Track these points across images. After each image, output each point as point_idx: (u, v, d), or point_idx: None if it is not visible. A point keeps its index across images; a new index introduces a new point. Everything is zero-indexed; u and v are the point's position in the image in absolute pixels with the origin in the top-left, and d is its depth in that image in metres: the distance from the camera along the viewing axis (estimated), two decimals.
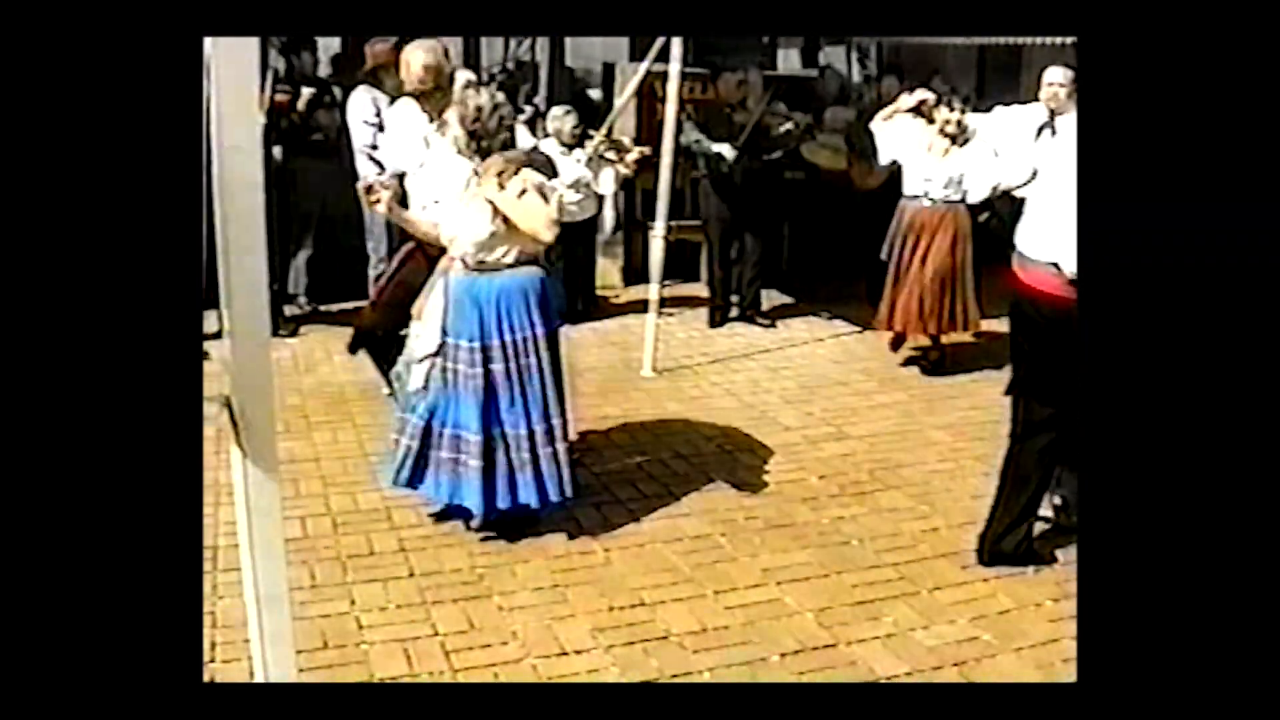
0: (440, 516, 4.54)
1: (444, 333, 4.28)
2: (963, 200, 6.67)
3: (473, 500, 4.31)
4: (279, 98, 6.99)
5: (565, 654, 3.64)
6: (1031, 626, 3.87)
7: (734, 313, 8.34)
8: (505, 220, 4.15)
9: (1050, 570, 4.23)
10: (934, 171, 6.71)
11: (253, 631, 2.07)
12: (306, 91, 7.15)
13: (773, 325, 8.19)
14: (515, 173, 4.16)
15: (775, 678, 3.53)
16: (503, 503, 4.33)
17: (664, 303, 7.19)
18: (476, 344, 4.23)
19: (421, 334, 4.35)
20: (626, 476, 5.18)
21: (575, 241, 7.98)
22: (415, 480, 4.36)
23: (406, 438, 4.32)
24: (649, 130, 8.46)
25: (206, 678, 3.37)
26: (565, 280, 7.96)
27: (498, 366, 4.25)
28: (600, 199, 8.00)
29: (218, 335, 1.85)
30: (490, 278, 4.25)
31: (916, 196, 6.82)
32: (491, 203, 4.11)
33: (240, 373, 1.82)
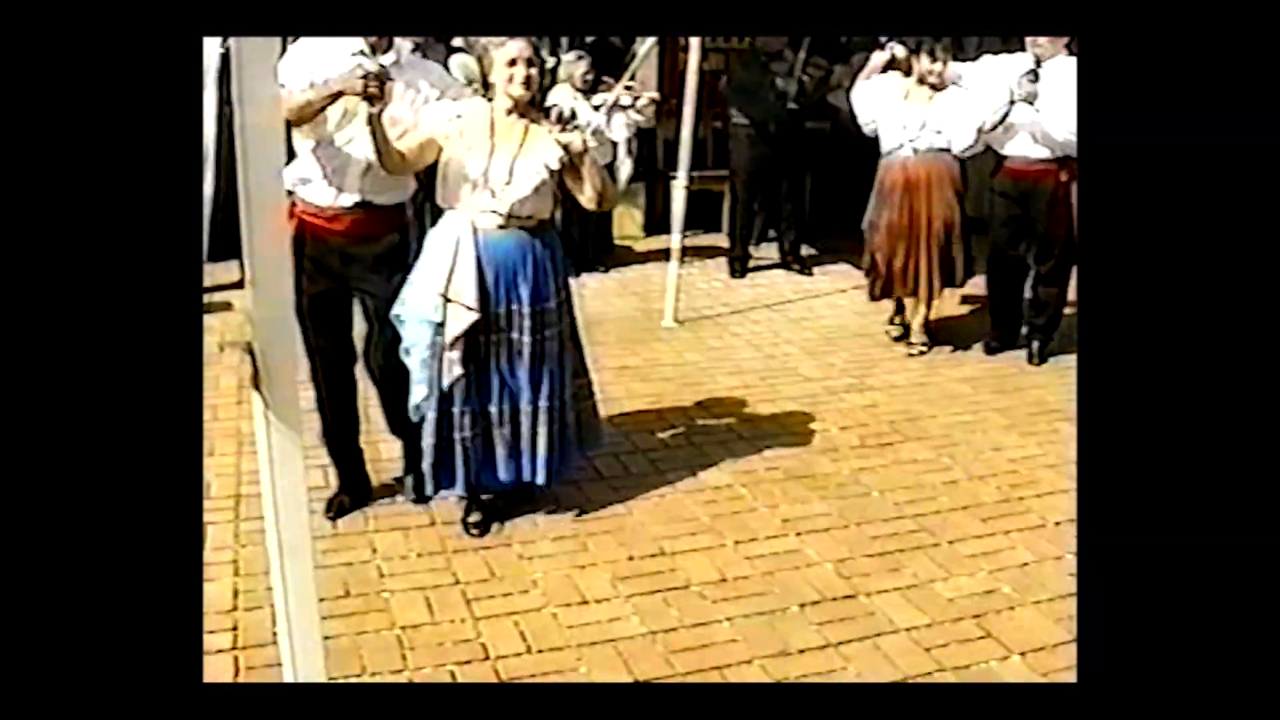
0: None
1: (486, 299, 3.85)
2: (948, 151, 6.16)
3: (542, 472, 4.07)
4: None
5: (585, 603, 3.66)
6: (1051, 579, 3.87)
7: (772, 260, 8.39)
8: (561, 173, 3.89)
9: (1070, 524, 4.22)
10: (912, 119, 6.16)
11: (275, 579, 2.08)
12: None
13: (810, 273, 8.23)
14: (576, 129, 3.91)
15: (795, 628, 3.54)
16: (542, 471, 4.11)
17: (685, 253, 7.16)
18: (535, 307, 3.93)
19: (450, 310, 3.84)
20: (647, 426, 5.18)
21: None
22: (484, 475, 4.04)
23: (460, 432, 3.95)
24: (672, 78, 8.42)
25: (230, 625, 3.41)
26: (580, 230, 7.98)
27: (550, 332, 3.98)
28: (614, 146, 7.99)
29: (240, 284, 1.85)
30: (533, 235, 3.93)
31: (897, 148, 6.26)
32: (568, 148, 3.81)
33: (262, 321, 1.81)
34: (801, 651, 3.43)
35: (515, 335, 3.93)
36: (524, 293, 3.90)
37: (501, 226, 3.86)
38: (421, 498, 4.18)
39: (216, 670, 3.16)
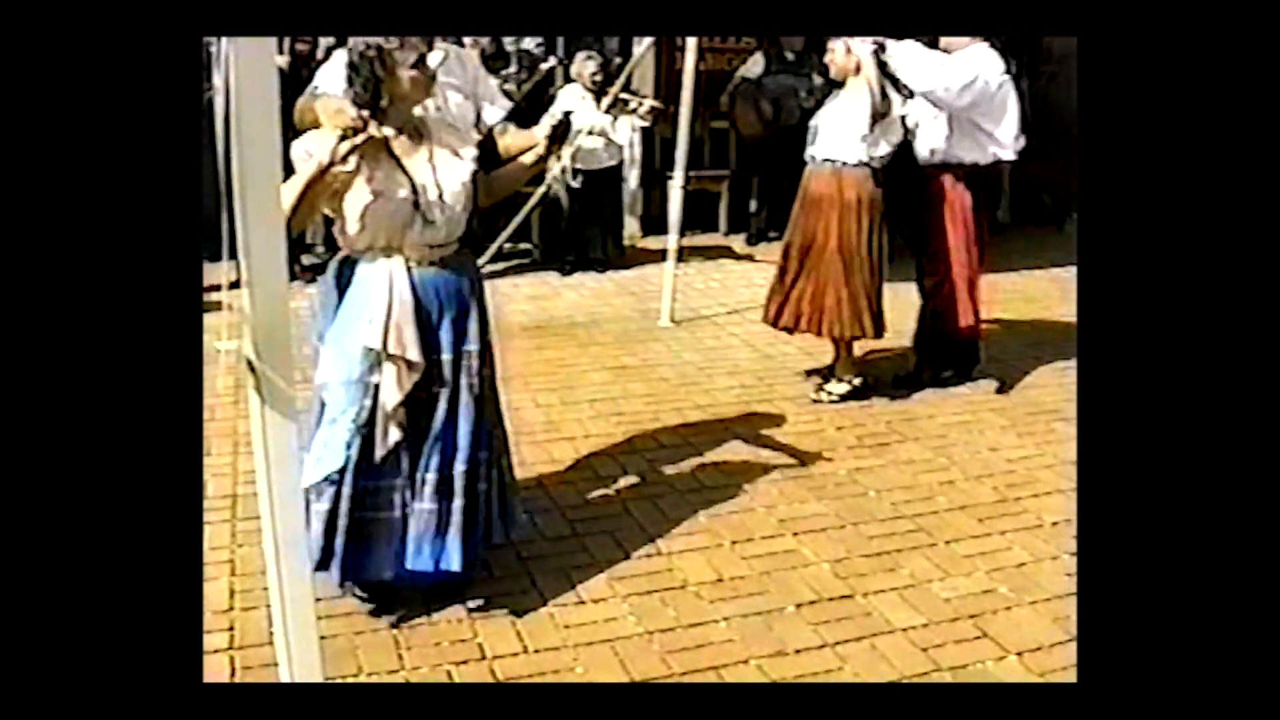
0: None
1: (428, 349, 3.34)
2: (862, 164, 5.30)
3: (459, 557, 3.42)
4: (299, 47, 6.94)
5: (582, 603, 3.66)
6: (1047, 579, 3.87)
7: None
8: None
9: (1067, 524, 4.22)
10: (823, 119, 5.44)
11: (271, 579, 2.08)
12: (326, 42, 7.07)
13: None
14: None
15: (791, 628, 3.54)
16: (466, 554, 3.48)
17: (682, 253, 7.16)
18: (479, 345, 3.46)
19: (388, 369, 3.30)
20: (643, 427, 5.17)
21: (601, 190, 8.01)
22: (383, 564, 3.41)
23: (364, 511, 3.34)
24: (669, 79, 8.42)
25: (226, 625, 3.41)
26: (590, 231, 8.04)
27: (485, 375, 3.50)
28: (620, 148, 8.02)
29: (236, 285, 1.85)
30: (459, 263, 3.44)
31: (811, 160, 5.49)
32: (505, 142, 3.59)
33: (258, 322, 1.82)
34: (798, 651, 3.43)
35: (453, 387, 3.41)
36: (471, 332, 3.44)
37: (434, 262, 3.36)
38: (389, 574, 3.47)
39: (213, 670, 3.16)
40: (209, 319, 1.83)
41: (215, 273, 1.98)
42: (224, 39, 1.67)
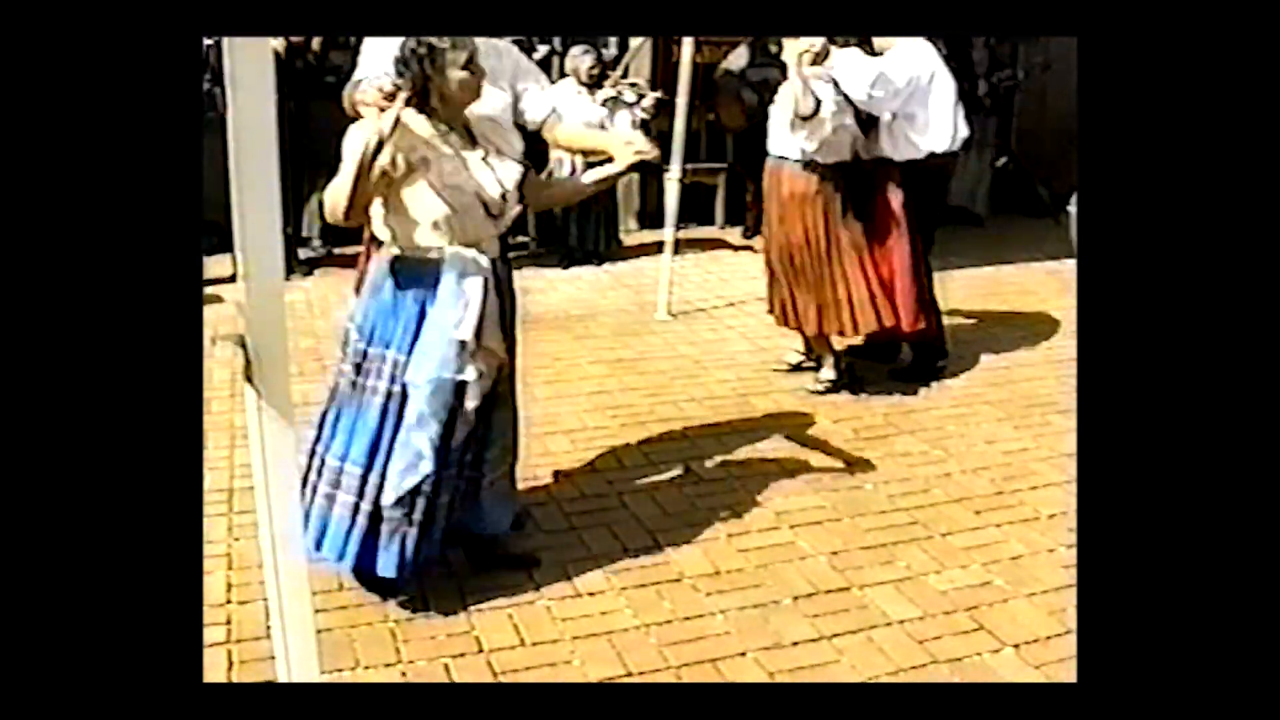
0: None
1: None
2: (812, 160, 5.27)
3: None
4: (293, 38, 6.94)
5: (579, 595, 3.66)
6: (1044, 572, 3.88)
7: None
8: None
9: (1063, 517, 4.23)
10: (771, 117, 5.44)
11: (268, 573, 2.08)
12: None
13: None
14: None
15: (788, 620, 3.55)
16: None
17: (679, 245, 7.16)
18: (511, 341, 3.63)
19: (473, 366, 3.34)
20: (640, 419, 5.18)
21: None
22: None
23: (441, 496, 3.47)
24: (665, 71, 8.41)
25: (223, 619, 3.41)
26: (581, 225, 8.03)
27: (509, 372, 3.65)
28: None
29: (233, 279, 1.85)
30: (504, 258, 3.57)
31: (782, 158, 5.41)
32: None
33: (255, 315, 1.82)
34: (795, 644, 3.44)
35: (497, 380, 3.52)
36: (512, 325, 3.59)
37: (496, 255, 3.44)
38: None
39: (210, 665, 3.16)
40: (205, 313, 1.83)
41: (211, 267, 1.99)
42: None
